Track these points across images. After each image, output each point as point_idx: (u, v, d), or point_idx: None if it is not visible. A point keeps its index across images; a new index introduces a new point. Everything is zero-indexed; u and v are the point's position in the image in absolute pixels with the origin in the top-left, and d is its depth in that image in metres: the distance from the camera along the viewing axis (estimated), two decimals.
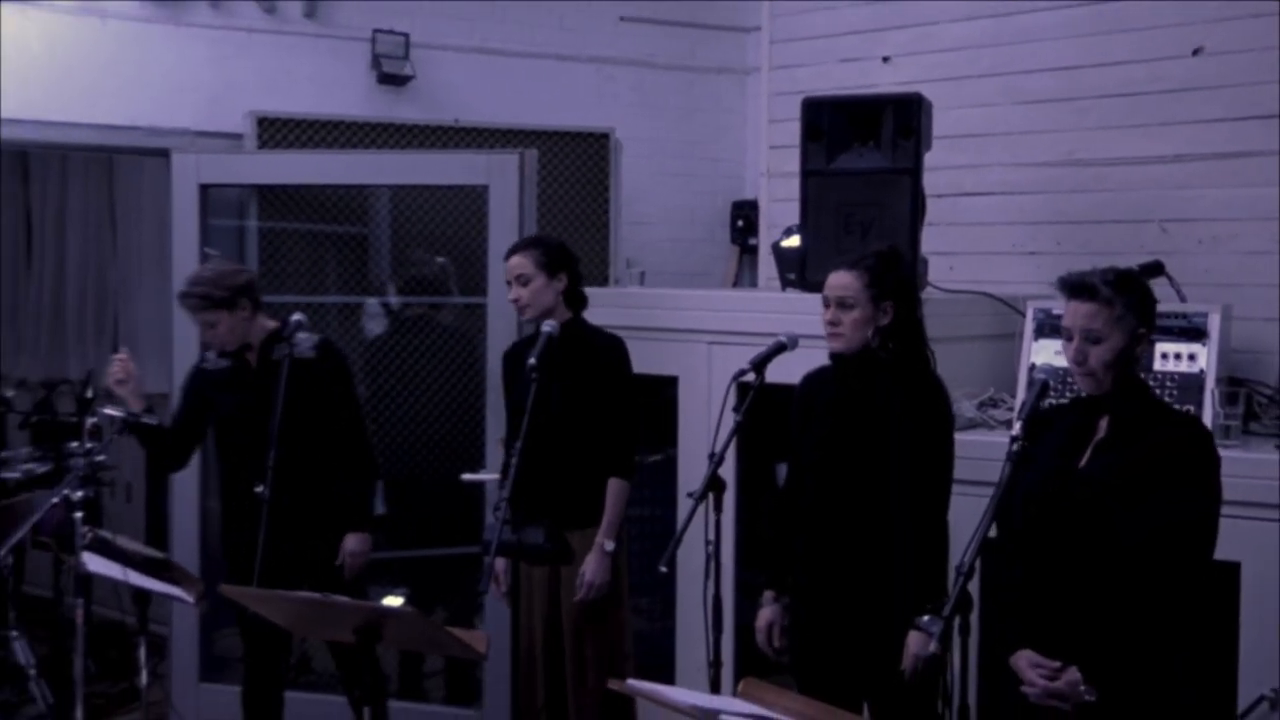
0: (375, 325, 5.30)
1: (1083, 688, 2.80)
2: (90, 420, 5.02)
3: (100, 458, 4.91)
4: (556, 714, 4.11)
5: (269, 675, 4.28)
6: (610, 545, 4.02)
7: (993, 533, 2.95)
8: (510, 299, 4.09)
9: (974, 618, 2.82)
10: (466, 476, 4.76)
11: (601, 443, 4.06)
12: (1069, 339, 2.93)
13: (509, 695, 4.10)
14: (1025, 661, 2.90)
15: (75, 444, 5.17)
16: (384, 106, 5.50)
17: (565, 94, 5.85)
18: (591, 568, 4.00)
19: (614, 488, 4.06)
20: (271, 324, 4.21)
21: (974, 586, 2.79)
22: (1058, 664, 2.85)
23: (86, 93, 5.06)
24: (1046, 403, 3.08)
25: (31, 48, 4.96)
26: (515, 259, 4.07)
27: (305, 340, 4.13)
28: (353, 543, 4.18)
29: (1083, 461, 2.93)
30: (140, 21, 5.13)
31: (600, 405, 4.06)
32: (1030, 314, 4.26)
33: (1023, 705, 2.92)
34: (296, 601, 3.46)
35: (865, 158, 4.36)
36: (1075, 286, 2.92)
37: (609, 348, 4.15)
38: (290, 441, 3.99)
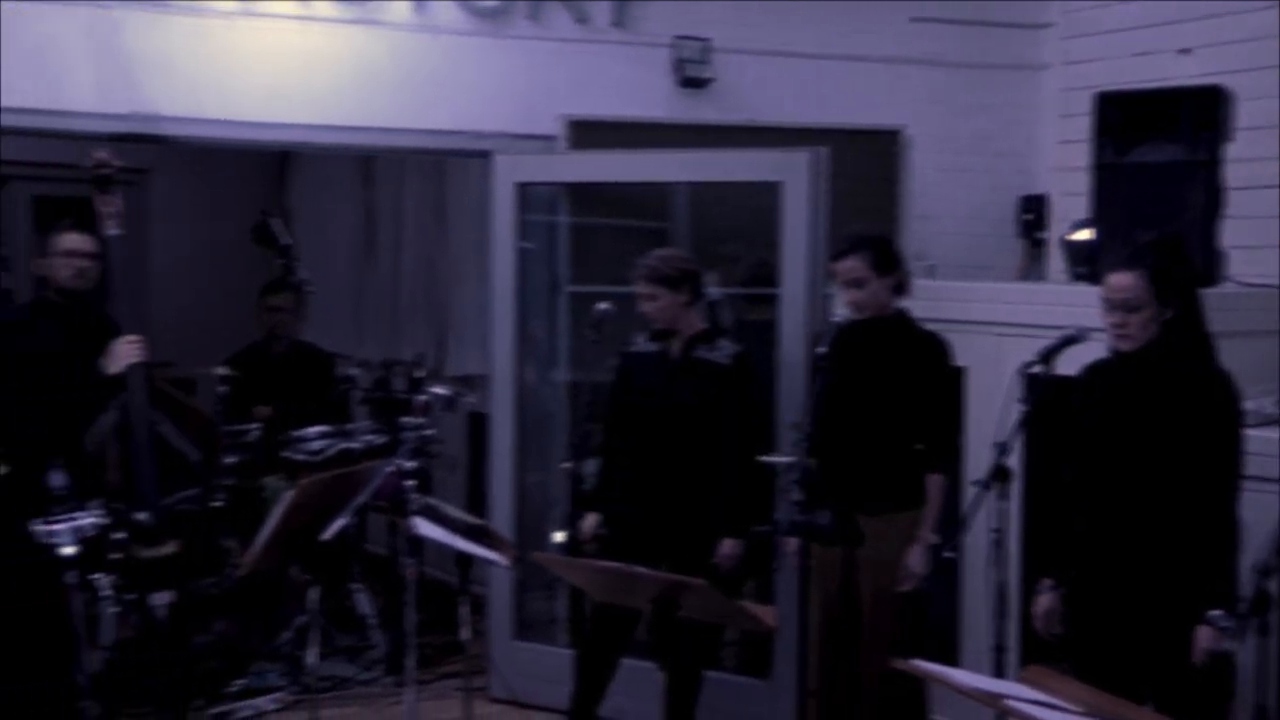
0: None
1: None
2: (420, 398, 5.25)
3: (429, 432, 5.15)
4: (846, 690, 4.06)
5: (614, 641, 4.31)
6: (934, 538, 3.95)
7: None
8: (847, 301, 4.00)
9: (1275, 618, 2.62)
10: (762, 459, 4.75)
11: (910, 433, 3.98)
12: None
13: (796, 669, 4.07)
14: None
15: (408, 419, 5.41)
16: (685, 108, 5.53)
17: (857, 93, 5.73)
18: (916, 561, 3.96)
19: (936, 483, 4.00)
20: (701, 325, 4.30)
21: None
22: None
23: (420, 101, 5.28)
24: None
25: (380, 63, 5.23)
26: (850, 262, 3.97)
27: (725, 348, 4.27)
28: (727, 547, 4.18)
29: None
30: (465, 35, 5.32)
31: (913, 397, 3.98)
32: None
33: None
34: (599, 570, 3.53)
35: (1160, 151, 4.13)
36: None
37: (931, 343, 4.06)
38: (695, 437, 4.18)
